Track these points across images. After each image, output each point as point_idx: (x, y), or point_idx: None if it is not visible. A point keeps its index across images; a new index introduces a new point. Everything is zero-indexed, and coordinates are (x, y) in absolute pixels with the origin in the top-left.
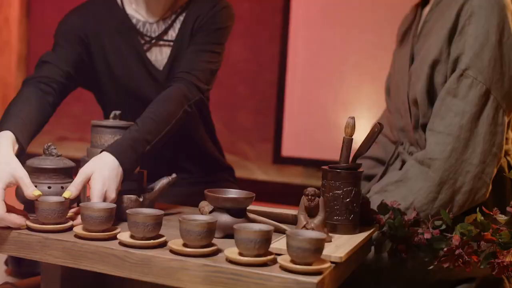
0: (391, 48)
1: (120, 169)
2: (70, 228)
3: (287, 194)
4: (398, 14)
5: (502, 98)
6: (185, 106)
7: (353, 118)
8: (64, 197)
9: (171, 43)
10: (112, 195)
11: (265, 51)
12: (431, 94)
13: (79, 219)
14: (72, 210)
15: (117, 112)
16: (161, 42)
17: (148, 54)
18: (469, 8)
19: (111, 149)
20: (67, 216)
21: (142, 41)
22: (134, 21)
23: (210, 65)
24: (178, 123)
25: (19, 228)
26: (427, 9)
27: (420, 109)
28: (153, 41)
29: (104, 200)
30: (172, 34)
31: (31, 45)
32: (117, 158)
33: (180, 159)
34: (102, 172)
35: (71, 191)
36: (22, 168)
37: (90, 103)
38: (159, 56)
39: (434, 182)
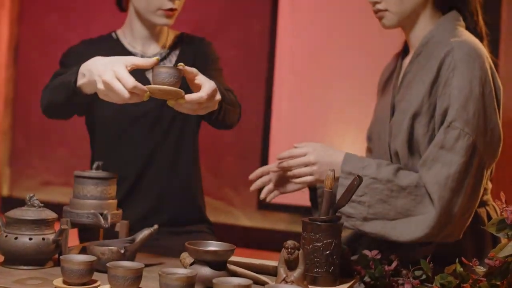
0: (375, 95)
1: None
2: None
3: (272, 240)
4: (383, 61)
5: (484, 150)
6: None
7: (333, 170)
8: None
9: None
10: (218, 96)
11: (250, 97)
12: (411, 145)
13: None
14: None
15: (100, 163)
16: None
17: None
18: (451, 61)
19: None
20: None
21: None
22: (132, 53)
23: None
24: (233, 113)
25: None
26: (407, 60)
27: (401, 160)
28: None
29: (211, 97)
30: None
31: (18, 89)
32: None
33: (166, 204)
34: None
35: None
36: None
37: (75, 147)
38: None
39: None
